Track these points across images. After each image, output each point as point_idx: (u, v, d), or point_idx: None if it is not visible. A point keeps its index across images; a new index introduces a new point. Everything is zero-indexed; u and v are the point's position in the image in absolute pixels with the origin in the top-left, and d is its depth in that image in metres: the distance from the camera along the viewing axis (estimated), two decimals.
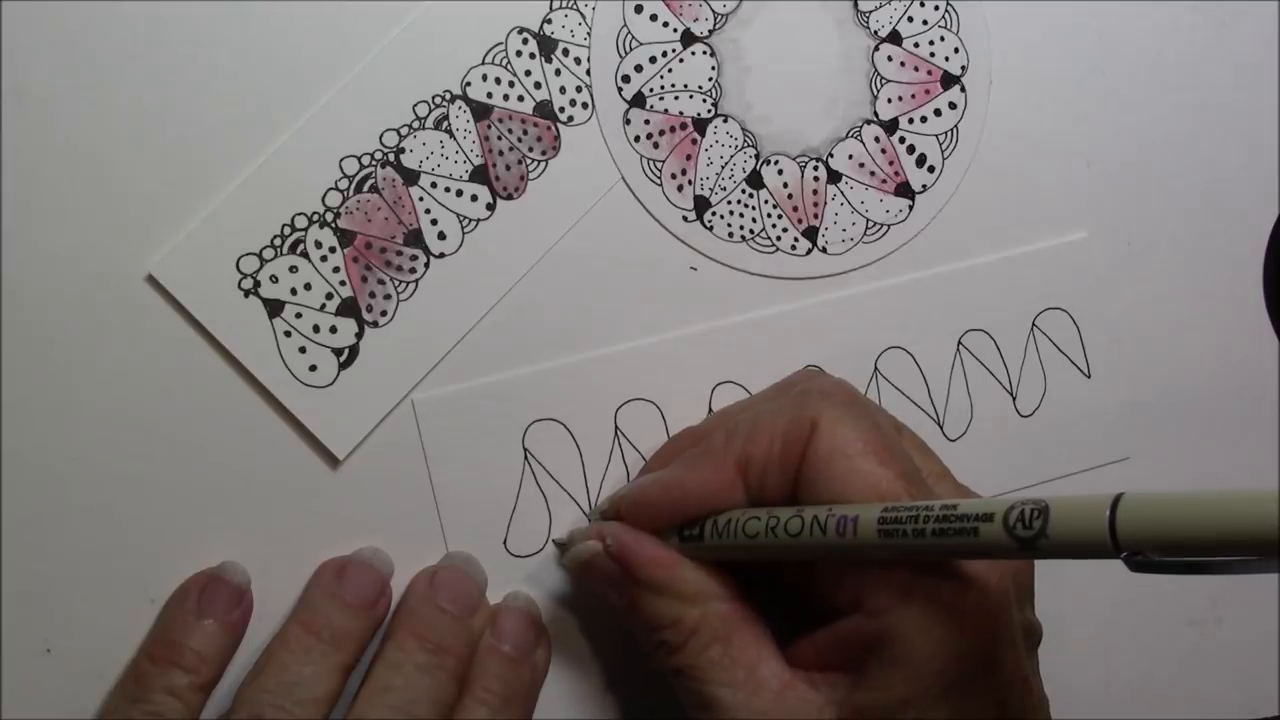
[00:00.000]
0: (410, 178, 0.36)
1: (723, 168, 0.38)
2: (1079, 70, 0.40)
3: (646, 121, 0.37)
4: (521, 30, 0.36)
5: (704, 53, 0.38)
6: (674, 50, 0.37)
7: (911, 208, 0.39)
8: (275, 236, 0.35)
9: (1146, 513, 0.24)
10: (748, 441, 0.32)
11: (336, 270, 0.35)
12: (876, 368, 0.39)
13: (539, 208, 0.37)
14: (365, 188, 0.35)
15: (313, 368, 0.35)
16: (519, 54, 0.36)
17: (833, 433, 0.31)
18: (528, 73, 0.36)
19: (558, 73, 0.37)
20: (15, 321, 0.33)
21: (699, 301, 0.38)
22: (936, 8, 0.39)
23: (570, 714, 0.37)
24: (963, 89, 0.39)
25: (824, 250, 0.39)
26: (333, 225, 0.35)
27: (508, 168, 0.36)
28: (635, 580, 0.33)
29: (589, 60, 0.37)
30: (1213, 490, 0.23)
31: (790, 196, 0.39)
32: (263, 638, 0.34)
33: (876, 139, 0.39)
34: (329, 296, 0.35)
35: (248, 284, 0.35)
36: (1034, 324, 0.40)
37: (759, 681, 0.31)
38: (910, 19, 0.39)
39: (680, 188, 0.38)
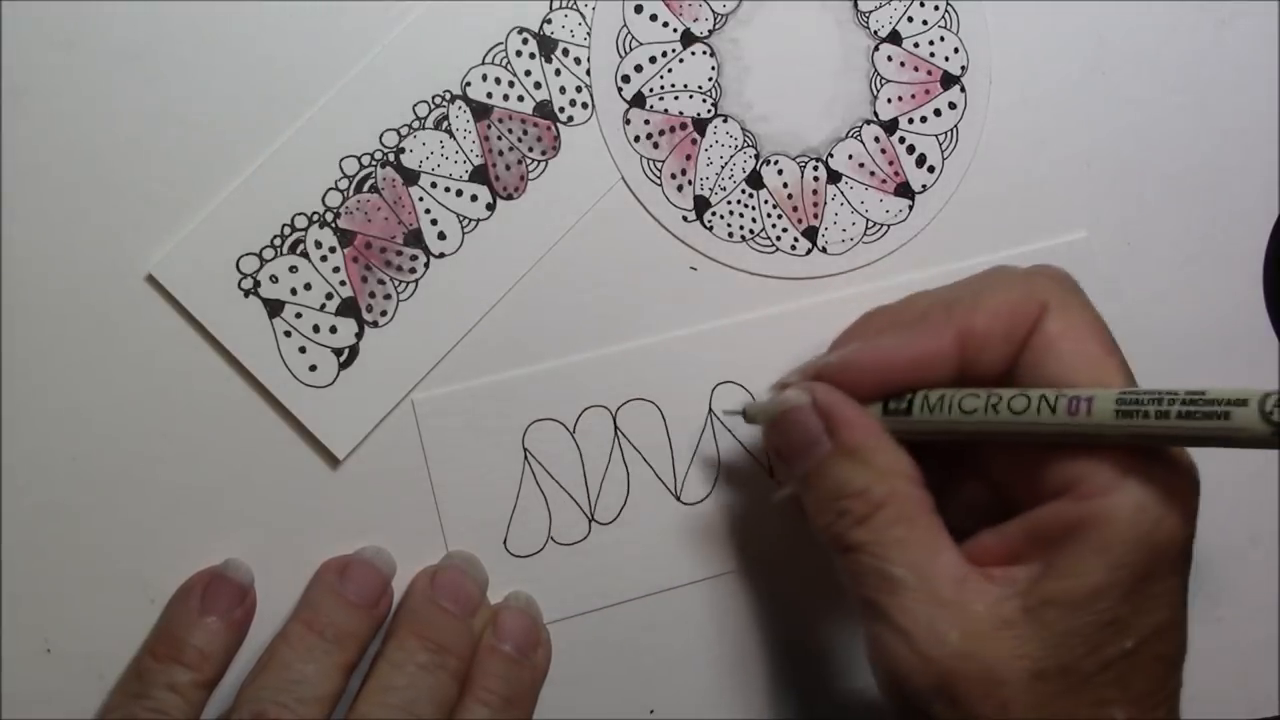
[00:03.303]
0: (410, 178, 0.36)
1: (723, 168, 0.38)
2: (1079, 70, 0.40)
3: (646, 121, 0.37)
4: (521, 30, 0.36)
5: (704, 53, 0.38)
6: (674, 50, 0.37)
7: (911, 208, 0.39)
8: (275, 236, 0.35)
9: None
10: (971, 314, 0.32)
11: (336, 270, 0.35)
12: None
13: (539, 208, 0.37)
14: (365, 188, 0.35)
15: (313, 368, 0.35)
16: (519, 54, 0.36)
17: (1065, 315, 0.31)
18: (528, 73, 0.36)
19: (558, 73, 0.37)
20: (15, 321, 0.33)
21: (699, 301, 0.38)
22: (936, 8, 0.39)
23: (570, 714, 0.37)
24: (963, 89, 0.39)
25: (824, 250, 0.39)
26: (333, 225, 0.35)
27: (508, 168, 0.36)
28: (835, 440, 0.32)
29: (589, 60, 0.37)
30: None
31: (790, 196, 0.39)
32: (265, 636, 0.34)
33: (876, 139, 0.39)
34: (329, 296, 0.35)
35: (248, 284, 0.35)
36: None
37: (939, 568, 0.30)
38: (910, 19, 0.39)
39: (680, 188, 0.38)
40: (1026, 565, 0.30)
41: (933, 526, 0.31)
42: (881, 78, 0.39)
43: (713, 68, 0.38)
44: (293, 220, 0.35)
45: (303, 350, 0.35)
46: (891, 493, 0.31)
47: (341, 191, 0.35)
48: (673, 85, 0.38)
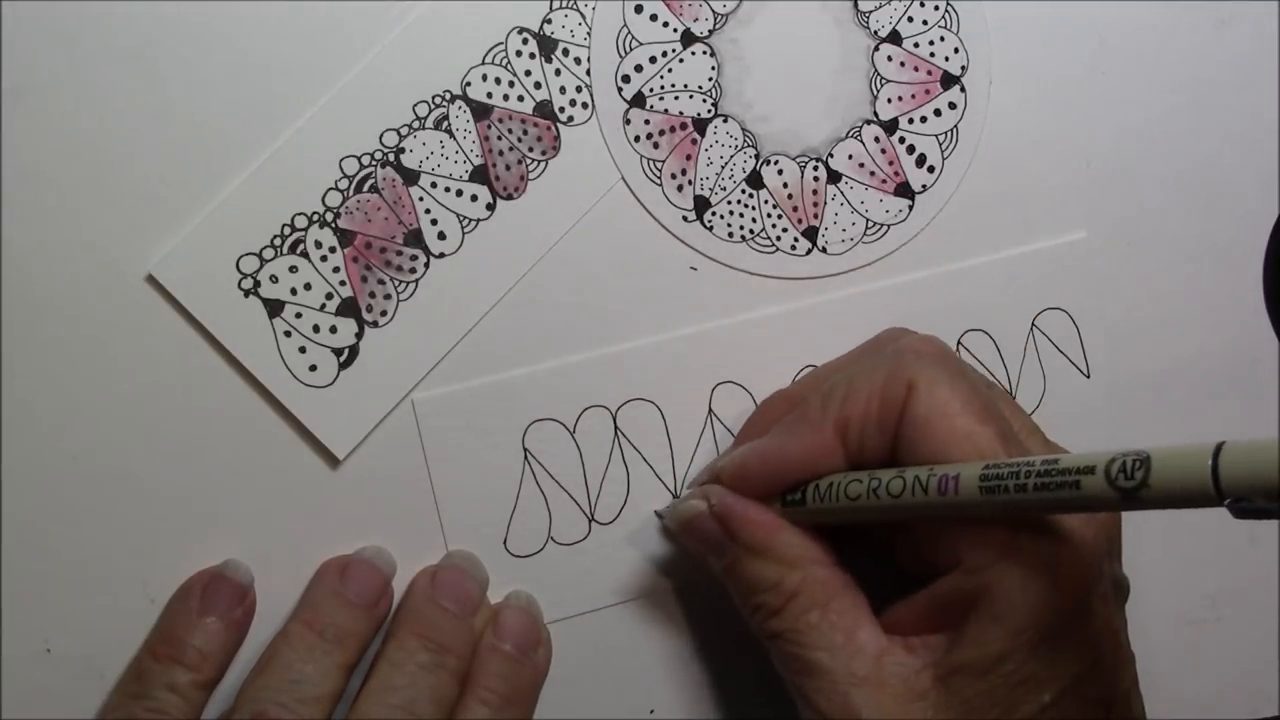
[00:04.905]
0: (410, 178, 0.36)
1: (723, 168, 0.38)
2: (1079, 70, 0.40)
3: (646, 121, 0.37)
4: (521, 30, 0.36)
5: (704, 53, 0.38)
6: (674, 50, 0.37)
7: (911, 208, 0.39)
8: (275, 236, 0.35)
9: (1249, 459, 0.23)
10: (845, 403, 0.32)
11: (336, 270, 0.35)
12: None
13: (539, 208, 0.37)
14: (365, 188, 0.35)
15: (313, 368, 0.35)
16: (519, 54, 0.36)
17: (930, 392, 0.31)
18: (528, 73, 0.36)
19: (558, 73, 0.37)
20: (16, 321, 0.33)
21: (699, 301, 0.38)
22: (936, 8, 0.39)
23: (570, 714, 0.37)
24: (963, 89, 0.39)
25: (824, 250, 0.39)
26: (333, 225, 0.35)
27: (508, 168, 0.36)
28: (737, 542, 0.33)
29: (589, 60, 0.37)
30: None
31: (790, 196, 0.39)
32: (265, 636, 0.34)
33: (876, 139, 0.39)
34: (329, 296, 0.35)
35: (248, 284, 0.35)
36: (1033, 324, 0.40)
37: (857, 646, 0.31)
38: (910, 19, 0.39)
39: (680, 188, 0.38)
40: (940, 634, 0.31)
41: (849, 605, 0.32)
42: (881, 78, 0.39)
43: (713, 68, 0.38)
44: (293, 220, 0.35)
45: (303, 350, 0.35)
46: (803, 580, 0.32)
47: (341, 191, 0.35)
48: (673, 85, 0.38)
